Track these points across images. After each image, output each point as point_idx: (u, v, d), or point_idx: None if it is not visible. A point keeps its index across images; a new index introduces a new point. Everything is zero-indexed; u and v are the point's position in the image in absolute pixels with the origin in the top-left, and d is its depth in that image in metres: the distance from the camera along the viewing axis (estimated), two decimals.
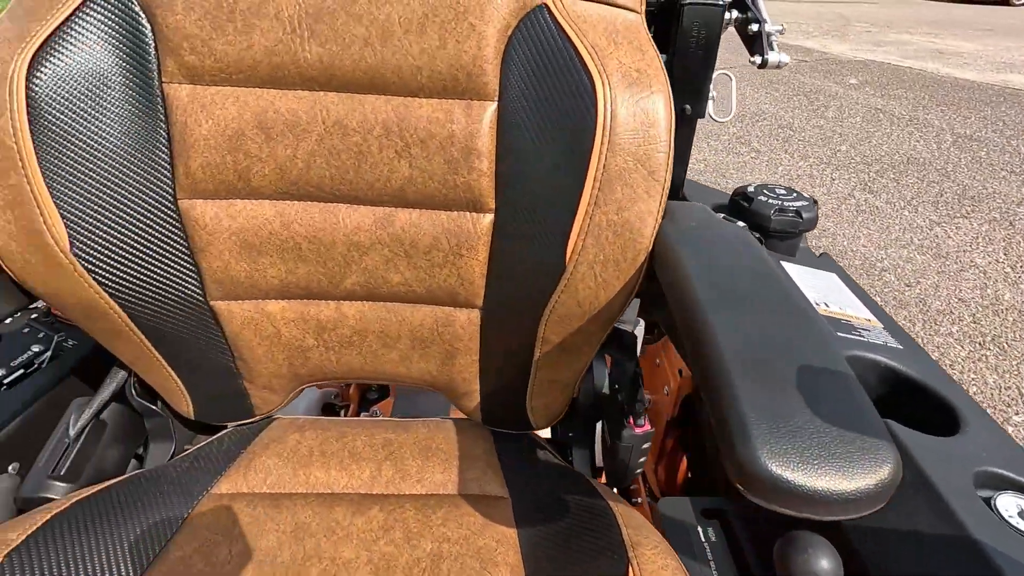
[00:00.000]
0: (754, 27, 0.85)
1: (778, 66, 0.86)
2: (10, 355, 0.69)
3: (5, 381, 0.66)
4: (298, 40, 0.47)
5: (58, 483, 0.55)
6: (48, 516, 0.49)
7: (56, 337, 0.72)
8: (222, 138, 0.48)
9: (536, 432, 0.66)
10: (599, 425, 0.65)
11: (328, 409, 0.99)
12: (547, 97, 0.46)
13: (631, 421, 0.54)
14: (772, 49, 0.85)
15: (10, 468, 0.63)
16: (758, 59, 0.85)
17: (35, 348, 0.71)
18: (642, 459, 0.56)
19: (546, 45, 0.46)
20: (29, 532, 0.47)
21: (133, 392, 0.62)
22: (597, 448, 0.66)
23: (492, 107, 0.48)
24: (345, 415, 0.97)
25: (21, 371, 0.68)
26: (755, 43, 0.86)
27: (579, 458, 0.65)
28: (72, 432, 0.56)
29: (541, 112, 0.47)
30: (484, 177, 0.49)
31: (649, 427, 0.54)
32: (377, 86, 0.48)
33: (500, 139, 0.49)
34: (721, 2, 0.81)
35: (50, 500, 0.55)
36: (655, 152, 0.44)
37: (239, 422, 0.65)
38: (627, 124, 0.44)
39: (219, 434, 0.64)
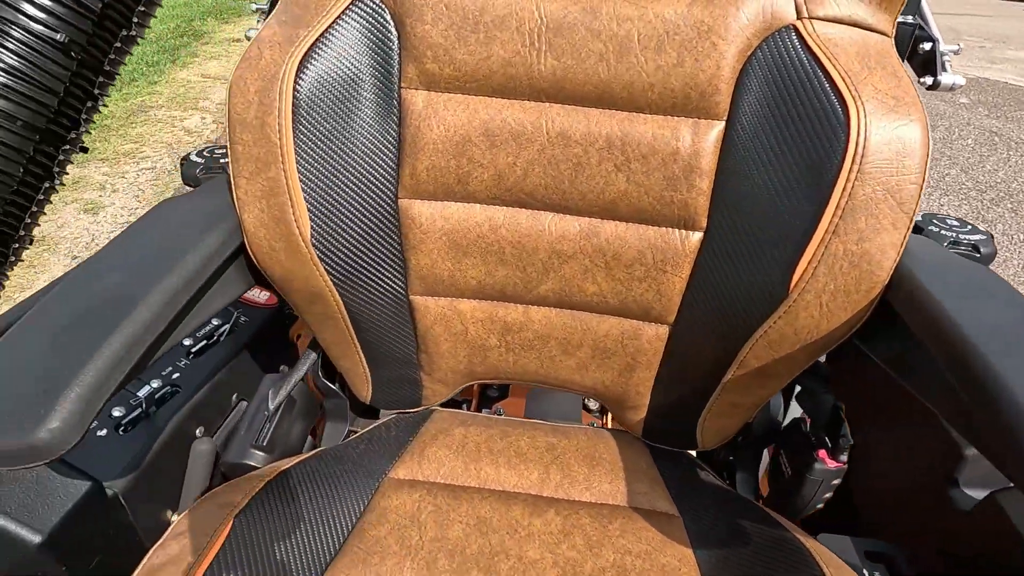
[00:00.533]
0: (926, 46, 0.80)
1: (951, 89, 0.81)
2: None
3: (193, 350, 0.71)
4: (534, 53, 0.48)
5: (258, 452, 0.59)
6: (262, 484, 0.52)
7: (235, 312, 0.77)
8: (449, 143, 0.50)
9: (689, 451, 0.65)
10: (766, 452, 0.64)
11: (446, 403, 1.01)
12: (786, 120, 0.45)
13: (823, 454, 0.52)
14: (945, 70, 0.80)
15: (197, 431, 0.68)
16: (929, 80, 0.80)
17: (215, 321, 0.76)
18: (828, 495, 0.55)
19: (791, 67, 0.45)
20: (251, 496, 0.51)
21: (319, 373, 0.65)
22: (761, 475, 0.64)
23: (719, 127, 0.48)
24: (467, 410, 1.00)
25: (204, 342, 0.73)
26: (926, 63, 0.81)
27: (742, 483, 0.64)
28: (271, 406, 0.60)
29: (777, 135, 0.46)
30: (702, 196, 0.49)
31: (845, 463, 0.52)
32: (604, 100, 0.49)
33: (723, 159, 0.48)
34: (912, 20, 0.77)
35: (250, 468, 0.59)
36: (907, 183, 0.43)
37: (402, 410, 0.68)
38: (880, 153, 0.43)
39: (384, 420, 0.67)
